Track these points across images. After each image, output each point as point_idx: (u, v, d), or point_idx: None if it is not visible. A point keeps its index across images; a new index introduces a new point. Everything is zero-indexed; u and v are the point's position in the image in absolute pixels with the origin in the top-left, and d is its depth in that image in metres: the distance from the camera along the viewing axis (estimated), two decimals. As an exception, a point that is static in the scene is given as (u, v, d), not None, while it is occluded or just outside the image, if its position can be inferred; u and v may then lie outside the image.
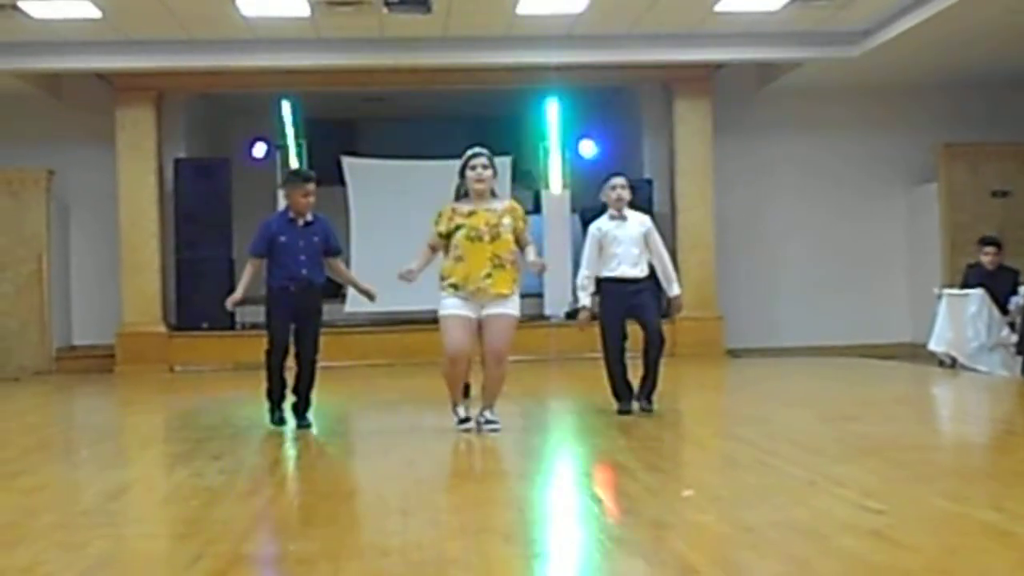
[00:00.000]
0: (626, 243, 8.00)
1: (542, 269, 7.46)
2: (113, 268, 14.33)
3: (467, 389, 9.10)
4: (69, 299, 14.94)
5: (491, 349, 7.15)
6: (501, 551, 4.06)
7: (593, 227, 8.16)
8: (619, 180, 8.17)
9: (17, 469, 6.33)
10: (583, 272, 8.09)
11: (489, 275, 7.04)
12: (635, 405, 7.97)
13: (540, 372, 12.28)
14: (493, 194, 7.30)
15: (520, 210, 7.34)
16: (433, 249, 7.33)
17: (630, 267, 7.96)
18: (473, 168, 7.18)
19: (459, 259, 7.10)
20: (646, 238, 8.07)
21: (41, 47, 12.83)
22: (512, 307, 7.14)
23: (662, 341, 7.94)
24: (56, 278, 14.42)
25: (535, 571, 3.82)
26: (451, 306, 7.11)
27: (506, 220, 7.14)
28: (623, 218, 8.08)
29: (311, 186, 7.76)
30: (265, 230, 7.82)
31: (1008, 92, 14.94)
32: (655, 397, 7.98)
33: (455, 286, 7.08)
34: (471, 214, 7.14)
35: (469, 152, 7.31)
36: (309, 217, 7.79)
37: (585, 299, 8.05)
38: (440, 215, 7.25)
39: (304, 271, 7.72)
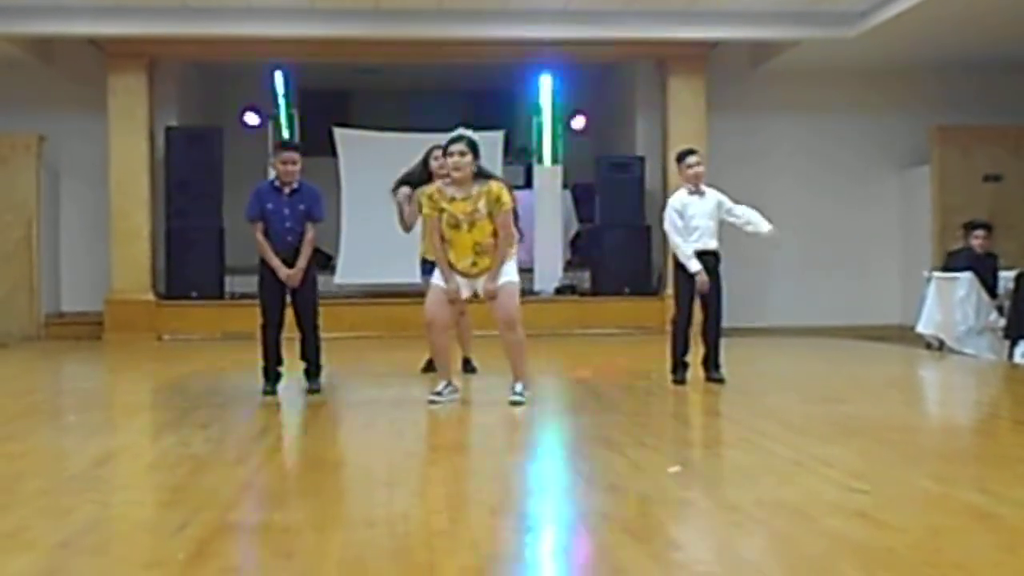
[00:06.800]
0: (704, 217, 8.24)
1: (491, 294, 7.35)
2: (103, 235, 14.29)
3: (468, 363, 9.11)
4: (58, 266, 14.90)
5: (499, 316, 7.27)
6: (487, 524, 4.06)
7: (673, 200, 8.38)
8: (695, 157, 8.36)
9: (3, 435, 6.32)
10: (680, 242, 8.25)
11: (474, 263, 7.19)
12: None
13: (529, 347, 12.25)
14: (482, 176, 7.17)
15: (496, 191, 7.08)
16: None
17: (709, 239, 8.26)
18: (451, 155, 7.12)
19: (445, 242, 7.21)
20: (721, 209, 8.33)
21: (33, 11, 12.73)
22: (507, 273, 7.21)
23: (719, 320, 8.39)
24: (45, 244, 14.37)
25: (521, 544, 3.82)
26: (446, 279, 7.25)
27: (480, 205, 7.10)
28: (701, 193, 8.30)
29: (289, 154, 7.78)
30: (255, 195, 7.86)
31: (1002, 75, 14.94)
32: (723, 369, 8.36)
33: (450, 264, 7.23)
34: (452, 200, 7.14)
35: (450, 136, 7.27)
36: (295, 185, 7.80)
37: (695, 264, 8.21)
38: (428, 197, 7.28)
39: (289, 238, 7.75)
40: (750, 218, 8.40)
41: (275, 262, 7.71)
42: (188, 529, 3.90)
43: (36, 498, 4.54)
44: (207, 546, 3.71)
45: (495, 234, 7.14)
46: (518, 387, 7.30)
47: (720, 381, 8.23)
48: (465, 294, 7.34)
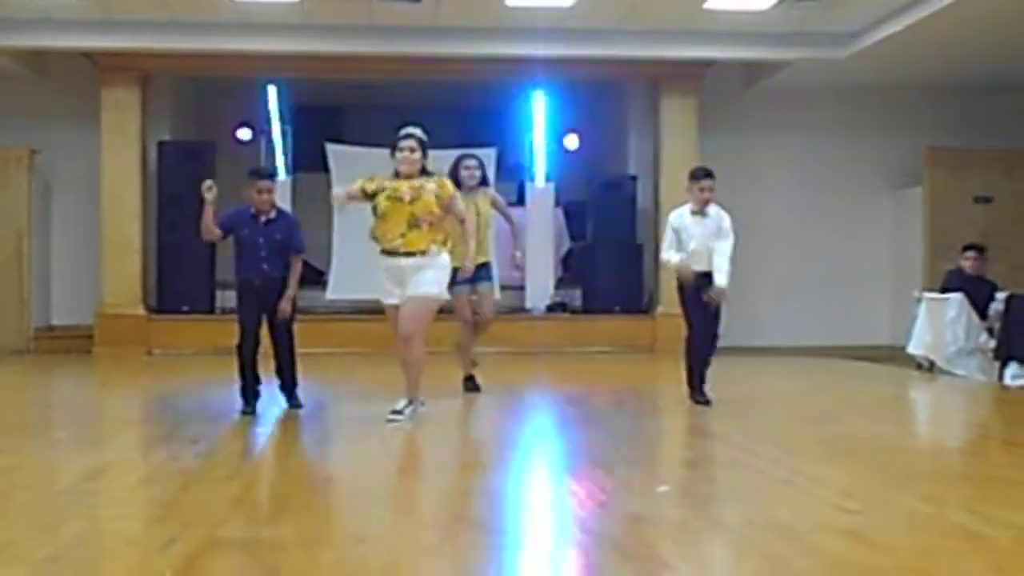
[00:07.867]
0: (702, 239, 8.11)
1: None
2: (94, 249, 14.25)
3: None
4: (49, 279, 14.86)
5: (400, 332, 7.25)
6: (475, 541, 4.06)
7: (673, 216, 8.30)
8: (709, 182, 8.19)
9: (-8, 448, 6.30)
10: (669, 252, 8.23)
11: (403, 234, 7.20)
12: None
13: (520, 364, 12.28)
14: (425, 173, 7.38)
15: (449, 186, 7.45)
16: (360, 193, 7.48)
17: (705, 264, 8.10)
18: (401, 150, 7.36)
19: (381, 218, 7.31)
20: (720, 231, 8.15)
21: (26, 24, 12.72)
22: (427, 283, 7.18)
23: (715, 338, 8.30)
24: (36, 257, 14.33)
25: (509, 562, 3.82)
26: (386, 293, 7.31)
27: (429, 186, 7.29)
28: (704, 214, 8.17)
29: (263, 182, 7.84)
30: (232, 215, 7.92)
31: (994, 97, 14.98)
32: (708, 386, 8.25)
33: (378, 240, 7.33)
34: (397, 181, 7.35)
35: (401, 132, 7.49)
36: (272, 215, 7.81)
37: (677, 258, 8.15)
38: (373, 176, 7.49)
39: (265, 266, 7.73)
40: (719, 263, 8.10)
41: (208, 219, 7.70)
42: (177, 544, 3.89)
43: (25, 512, 4.53)
44: (195, 562, 3.70)
45: (434, 218, 7.23)
46: (400, 403, 7.23)
47: (706, 403, 8.14)
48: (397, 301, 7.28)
